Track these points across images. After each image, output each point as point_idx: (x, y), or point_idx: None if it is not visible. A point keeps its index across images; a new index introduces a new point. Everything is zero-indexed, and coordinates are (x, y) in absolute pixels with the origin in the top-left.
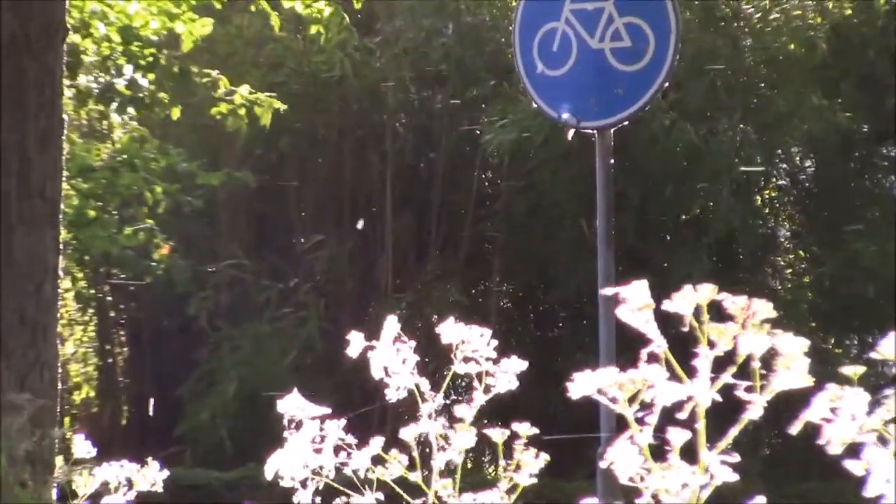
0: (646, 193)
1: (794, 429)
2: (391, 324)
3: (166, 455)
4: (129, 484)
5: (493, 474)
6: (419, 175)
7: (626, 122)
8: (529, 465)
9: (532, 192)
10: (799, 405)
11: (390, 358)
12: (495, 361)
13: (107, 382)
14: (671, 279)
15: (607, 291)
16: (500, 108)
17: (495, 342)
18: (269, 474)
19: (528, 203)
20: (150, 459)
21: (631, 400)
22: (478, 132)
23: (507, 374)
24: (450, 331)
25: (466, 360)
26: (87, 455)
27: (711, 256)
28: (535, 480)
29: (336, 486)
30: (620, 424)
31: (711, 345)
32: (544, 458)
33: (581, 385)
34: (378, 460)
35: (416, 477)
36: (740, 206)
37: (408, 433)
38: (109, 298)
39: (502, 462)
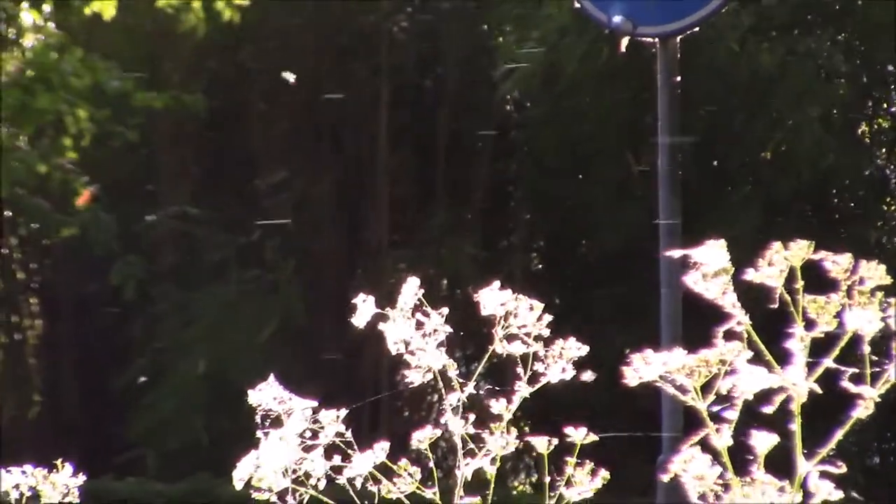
0: (709, 127)
1: None
2: (411, 287)
3: (118, 464)
4: (35, 496)
5: (520, 488)
6: (422, 97)
7: (695, 29)
8: (583, 483)
9: (565, 121)
10: None
11: (411, 330)
12: (546, 343)
13: (12, 365)
14: (745, 238)
15: (672, 254)
16: (515, 17)
17: (549, 318)
18: (238, 483)
19: (561, 135)
20: (60, 461)
21: (704, 389)
22: (497, 43)
23: (562, 361)
24: (491, 299)
25: (510, 339)
26: None
27: (799, 207)
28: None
29: (326, 500)
30: (689, 424)
31: (809, 323)
32: (603, 476)
33: (640, 369)
34: (383, 470)
35: (432, 494)
36: (836, 140)
37: (422, 437)
38: (17, 255)
39: (547, 478)
